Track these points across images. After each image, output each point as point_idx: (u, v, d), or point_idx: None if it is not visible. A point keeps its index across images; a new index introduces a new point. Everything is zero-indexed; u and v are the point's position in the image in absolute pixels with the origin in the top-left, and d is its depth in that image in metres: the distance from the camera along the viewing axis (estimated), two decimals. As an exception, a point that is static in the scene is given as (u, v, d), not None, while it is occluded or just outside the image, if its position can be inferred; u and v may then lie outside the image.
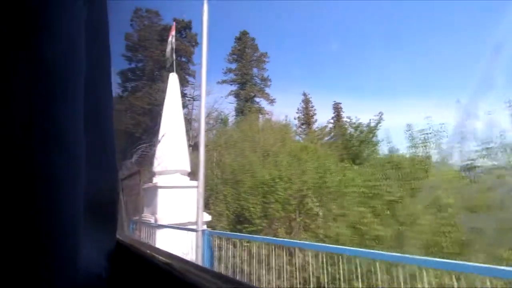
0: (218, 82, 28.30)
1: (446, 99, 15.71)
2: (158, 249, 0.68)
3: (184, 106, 27.64)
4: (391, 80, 30.04)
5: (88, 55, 0.44)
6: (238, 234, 5.84)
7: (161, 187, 6.34)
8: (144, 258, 0.61)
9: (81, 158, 0.42)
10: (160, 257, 0.58)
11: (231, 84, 28.37)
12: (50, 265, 0.37)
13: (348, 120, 18.61)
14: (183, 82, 26.46)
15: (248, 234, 6.59)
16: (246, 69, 27.70)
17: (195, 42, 28.20)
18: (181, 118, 8.01)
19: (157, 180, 6.63)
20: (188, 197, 6.24)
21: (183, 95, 27.37)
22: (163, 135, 7.58)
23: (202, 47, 4.13)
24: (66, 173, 0.39)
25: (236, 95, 27.47)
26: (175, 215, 5.88)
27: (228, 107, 28.27)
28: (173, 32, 9.34)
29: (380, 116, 17.70)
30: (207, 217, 6.51)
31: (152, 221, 5.89)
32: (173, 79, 8.88)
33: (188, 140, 28.44)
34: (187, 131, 29.27)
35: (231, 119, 28.93)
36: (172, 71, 9.14)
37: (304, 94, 31.12)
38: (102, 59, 0.55)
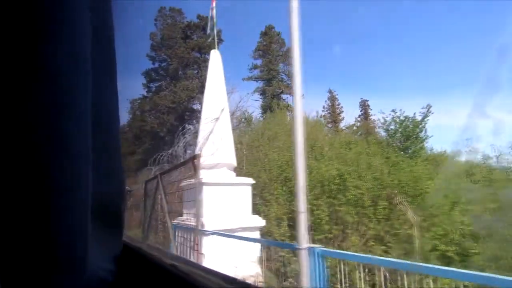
0: (244, 79, 27.19)
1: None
2: (164, 251, 0.71)
3: (209, 104, 26.75)
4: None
5: (94, 59, 0.44)
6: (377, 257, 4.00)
7: (207, 184, 5.07)
8: (150, 261, 0.61)
9: (88, 162, 0.42)
10: (167, 259, 0.58)
11: (256, 81, 27.22)
12: (58, 269, 0.38)
13: (383, 115, 16.78)
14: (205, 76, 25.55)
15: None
16: (272, 65, 26.40)
17: (218, 39, 27.25)
18: (225, 100, 6.73)
19: (199, 176, 5.38)
20: (237, 197, 5.01)
21: (208, 93, 26.46)
22: (206, 120, 6.33)
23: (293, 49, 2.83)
24: (73, 177, 0.40)
25: (263, 92, 26.21)
26: (224, 219, 4.63)
27: (254, 104, 26.96)
28: (213, 4, 8.13)
29: (428, 109, 15.79)
30: (260, 222, 5.23)
31: (194, 224, 4.65)
32: (215, 56, 7.61)
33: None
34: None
35: (258, 116, 27.70)
36: (214, 47, 7.88)
37: (330, 91, 29.41)
38: (108, 63, 0.55)
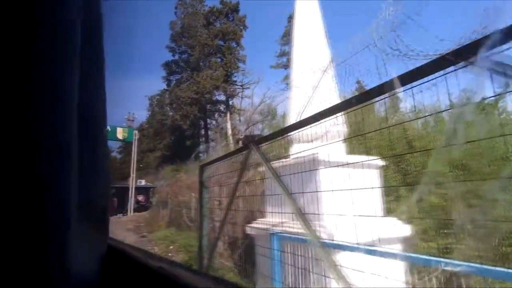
0: (272, 66, 25.19)
1: None
2: (151, 253, 0.67)
3: (233, 95, 24.93)
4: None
5: (82, 56, 0.44)
6: None
7: (326, 163, 3.01)
8: (136, 262, 0.61)
9: (74, 160, 0.41)
10: (153, 261, 0.58)
11: (285, 68, 25.10)
12: (40, 270, 0.37)
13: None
14: (233, 68, 23.71)
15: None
16: (302, 51, 24.23)
17: (243, 25, 25.39)
18: (327, 53, 4.68)
19: (299, 153, 3.09)
20: (362, 185, 2.96)
21: (232, 82, 24.64)
22: (301, 75, 4.33)
23: None
24: (57, 175, 0.39)
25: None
26: (351, 222, 2.65)
27: (283, 94, 24.85)
28: None
29: None
30: (402, 229, 3.16)
31: (305, 232, 2.68)
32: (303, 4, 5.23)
33: (237, 134, 25.72)
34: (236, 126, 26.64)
35: (285, 107, 25.66)
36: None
37: (358, 82, 26.93)
38: (96, 61, 0.55)
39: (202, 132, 31.31)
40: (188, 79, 25.83)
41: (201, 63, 25.30)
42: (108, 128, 19.29)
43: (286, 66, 25.20)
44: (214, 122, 30.10)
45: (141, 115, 49.72)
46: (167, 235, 9.95)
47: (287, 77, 24.55)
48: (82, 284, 0.47)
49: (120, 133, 19.49)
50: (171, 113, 28.85)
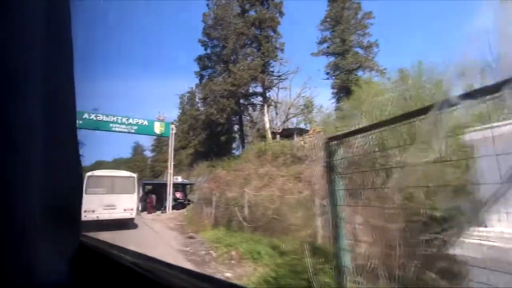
0: (313, 54, 23.35)
1: None
2: (124, 248, 0.65)
3: (271, 86, 23.42)
4: None
5: (48, 52, 0.43)
6: None
7: None
8: (109, 259, 0.59)
9: (36, 157, 0.39)
10: (127, 257, 0.56)
11: (327, 56, 23.20)
12: (3, 272, 0.35)
13: None
14: (270, 56, 22.21)
15: None
16: (346, 35, 22.13)
17: (279, 12, 23.75)
18: None
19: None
20: None
21: (270, 73, 23.14)
22: None
23: None
24: (18, 172, 0.37)
25: (336, 67, 22.11)
26: None
27: (324, 83, 22.95)
28: None
29: None
30: None
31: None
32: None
33: (274, 127, 24.18)
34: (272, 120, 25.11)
35: (328, 97, 23.68)
36: None
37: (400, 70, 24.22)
38: (64, 56, 0.53)
39: (235, 127, 30.26)
40: (222, 72, 24.74)
41: (236, 55, 24.05)
42: (146, 122, 18.71)
43: (328, 53, 23.25)
44: (249, 116, 28.88)
45: (171, 115, 50.11)
46: (219, 237, 8.68)
47: (330, 65, 22.61)
48: (50, 286, 0.43)
49: (157, 128, 18.82)
50: (202, 108, 28.06)
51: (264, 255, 6.17)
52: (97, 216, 10.92)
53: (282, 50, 22.69)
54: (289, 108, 23.68)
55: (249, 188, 14.20)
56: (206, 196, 14.27)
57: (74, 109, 0.55)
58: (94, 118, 16.73)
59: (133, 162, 56.07)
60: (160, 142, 49.32)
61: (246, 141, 27.01)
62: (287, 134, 21.94)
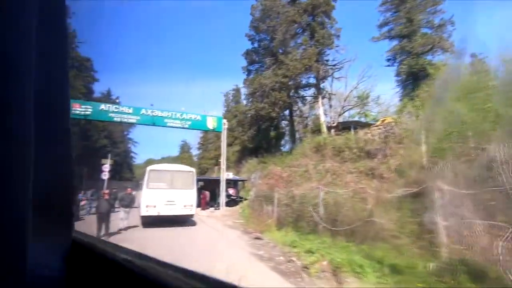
0: (374, 38, 21.09)
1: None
2: (118, 246, 0.66)
3: (325, 77, 21.68)
4: None
5: (42, 43, 0.43)
6: None
7: None
8: (103, 256, 0.59)
9: (29, 151, 0.39)
10: (121, 254, 0.57)
11: (389, 39, 20.74)
12: None
13: None
14: (326, 44, 20.49)
15: None
16: (413, 14, 19.45)
17: (330, -5, 21.81)
18: None
19: None
20: None
21: (324, 62, 21.41)
22: None
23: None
24: (11, 166, 0.36)
25: (401, 50, 19.58)
26: None
27: (386, 71, 20.62)
28: None
29: None
30: None
31: None
32: None
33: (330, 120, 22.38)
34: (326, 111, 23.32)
35: (393, 85, 21.20)
36: None
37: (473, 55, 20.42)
38: (59, 47, 0.53)
39: (283, 122, 29.03)
40: (271, 65, 23.62)
41: (286, 45, 22.73)
42: (199, 117, 18.45)
43: (391, 36, 20.77)
44: (298, 110, 27.44)
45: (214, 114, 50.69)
46: (293, 240, 7.57)
47: (394, 48, 20.14)
48: (41, 282, 0.43)
49: (210, 123, 18.44)
50: (249, 104, 27.28)
51: (366, 268, 4.88)
52: (158, 212, 10.58)
53: (338, 36, 20.83)
54: (345, 100, 21.73)
55: (310, 185, 12.90)
56: (265, 193, 13.31)
57: (68, 104, 0.53)
58: (151, 114, 16.84)
59: (180, 159, 58.08)
60: (206, 140, 50.18)
61: (296, 136, 25.64)
62: (343, 127, 20.07)
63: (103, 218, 8.86)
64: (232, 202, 18.69)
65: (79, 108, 15.42)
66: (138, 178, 48.56)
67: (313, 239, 7.39)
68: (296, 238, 7.72)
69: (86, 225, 11.29)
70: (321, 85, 21.89)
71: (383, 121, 14.35)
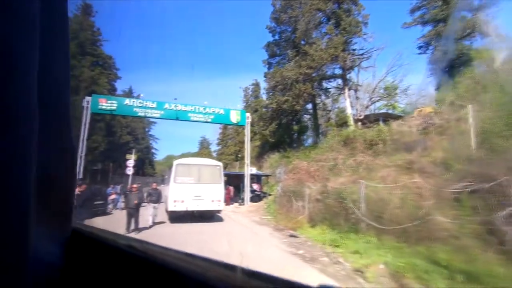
0: (405, 24, 19.77)
1: None
2: (119, 234, 0.66)
3: (352, 67, 20.65)
4: None
5: (43, 30, 0.42)
6: None
7: None
8: (104, 243, 0.59)
9: (32, 139, 0.39)
10: (122, 241, 0.57)
11: (422, 25, 19.33)
12: None
13: None
14: (353, 32, 19.44)
15: None
16: (449, -3, 17.95)
17: (360, -20, 20.60)
18: None
19: None
20: None
21: (350, 52, 20.36)
22: None
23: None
24: (13, 154, 0.36)
25: (437, 36, 18.19)
26: None
27: (419, 59, 19.42)
28: None
29: None
30: None
31: None
32: None
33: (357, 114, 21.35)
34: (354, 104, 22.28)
35: (420, 76, 19.82)
36: None
37: None
38: (59, 34, 0.52)
39: (305, 116, 28.20)
40: (293, 57, 22.80)
41: (308, 36, 21.81)
42: (222, 111, 18.09)
43: (424, 21, 19.37)
44: (322, 104, 26.52)
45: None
46: (334, 238, 6.99)
47: (429, 34, 18.77)
48: (42, 269, 0.44)
49: (233, 116, 18.05)
50: (269, 99, 26.63)
51: (434, 274, 4.24)
52: (187, 207, 10.31)
53: (366, 23, 19.69)
54: (373, 91, 20.62)
55: (340, 180, 12.20)
56: (293, 188, 12.75)
57: (68, 92, 0.53)
58: (174, 108, 16.67)
59: (200, 155, 58.60)
60: (225, 135, 50.15)
61: (322, 130, 24.80)
62: (372, 120, 19.03)
63: (133, 213, 8.68)
64: (256, 197, 18.29)
65: (105, 104, 15.49)
66: (159, 174, 49.42)
67: (356, 238, 6.78)
68: (336, 237, 7.14)
69: (115, 219, 11.27)
70: (347, 76, 20.86)
71: (420, 111, 13.32)
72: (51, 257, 0.49)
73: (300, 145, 24.86)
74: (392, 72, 20.09)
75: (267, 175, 21.45)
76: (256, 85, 44.88)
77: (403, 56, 26.06)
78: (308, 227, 9.28)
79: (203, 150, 62.53)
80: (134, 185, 9.52)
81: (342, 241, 6.69)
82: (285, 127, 26.84)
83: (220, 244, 6.92)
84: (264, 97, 34.46)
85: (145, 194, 10.71)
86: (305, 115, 28.06)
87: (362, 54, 20.49)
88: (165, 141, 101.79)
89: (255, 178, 19.95)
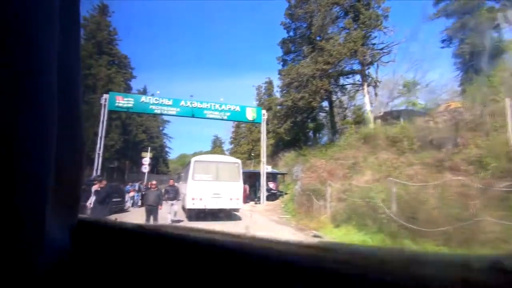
0: (430, 17, 18.95)
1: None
2: (126, 222, 0.64)
3: (371, 62, 19.95)
4: None
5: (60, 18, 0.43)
6: None
7: None
8: (111, 228, 0.60)
9: (54, 122, 0.40)
10: (130, 224, 0.58)
11: (447, 17, 18.47)
12: (19, 239, 0.36)
13: None
14: (373, 25, 18.77)
15: None
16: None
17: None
18: None
19: None
20: None
21: (370, 46, 19.67)
22: None
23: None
24: (39, 141, 0.37)
25: (462, 28, 17.30)
26: None
27: (443, 53, 18.47)
28: None
29: None
30: None
31: None
32: None
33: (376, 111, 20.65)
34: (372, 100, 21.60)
35: (442, 70, 18.97)
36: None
37: None
38: (72, 26, 0.52)
39: (320, 114, 27.64)
40: (309, 53, 22.27)
41: (324, 32, 21.24)
42: (238, 108, 17.87)
43: (449, 14, 18.48)
44: (338, 101, 25.88)
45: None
46: (363, 240, 6.59)
47: (455, 26, 17.89)
48: (56, 255, 0.46)
49: (249, 113, 17.81)
50: (291, 94, 26.21)
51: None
52: (205, 205, 10.10)
53: (386, 16, 18.98)
54: (393, 87, 19.87)
55: (362, 178, 11.71)
56: (313, 186, 12.36)
57: (79, 84, 0.54)
58: (190, 105, 16.54)
59: (213, 154, 58.62)
60: (238, 134, 49.99)
61: (338, 128, 24.18)
62: (394, 116, 18.32)
63: (152, 210, 8.53)
64: (272, 196, 17.97)
65: (122, 101, 15.53)
66: (173, 172, 49.83)
67: (388, 241, 6.35)
68: (366, 238, 6.72)
69: (133, 217, 11.19)
70: (366, 72, 20.20)
71: (447, 106, 12.63)
72: (61, 243, 0.49)
73: (316, 143, 24.33)
74: (414, 67, 19.29)
75: (283, 174, 21.08)
76: (269, 83, 44.43)
77: (424, 50, 25.08)
78: (332, 227, 8.88)
79: (216, 148, 62.63)
80: (153, 182, 9.37)
81: (373, 243, 6.27)
82: (300, 125, 26.34)
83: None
84: (277, 95, 34.01)
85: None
86: (320, 113, 27.50)
87: (382, 49, 19.78)
88: (178, 140, 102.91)
89: (271, 177, 19.63)
